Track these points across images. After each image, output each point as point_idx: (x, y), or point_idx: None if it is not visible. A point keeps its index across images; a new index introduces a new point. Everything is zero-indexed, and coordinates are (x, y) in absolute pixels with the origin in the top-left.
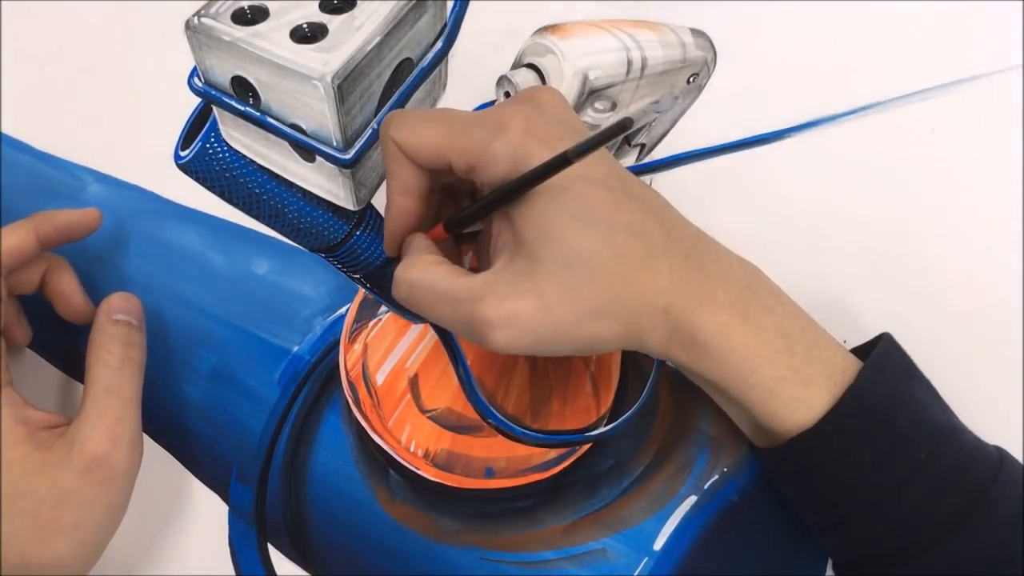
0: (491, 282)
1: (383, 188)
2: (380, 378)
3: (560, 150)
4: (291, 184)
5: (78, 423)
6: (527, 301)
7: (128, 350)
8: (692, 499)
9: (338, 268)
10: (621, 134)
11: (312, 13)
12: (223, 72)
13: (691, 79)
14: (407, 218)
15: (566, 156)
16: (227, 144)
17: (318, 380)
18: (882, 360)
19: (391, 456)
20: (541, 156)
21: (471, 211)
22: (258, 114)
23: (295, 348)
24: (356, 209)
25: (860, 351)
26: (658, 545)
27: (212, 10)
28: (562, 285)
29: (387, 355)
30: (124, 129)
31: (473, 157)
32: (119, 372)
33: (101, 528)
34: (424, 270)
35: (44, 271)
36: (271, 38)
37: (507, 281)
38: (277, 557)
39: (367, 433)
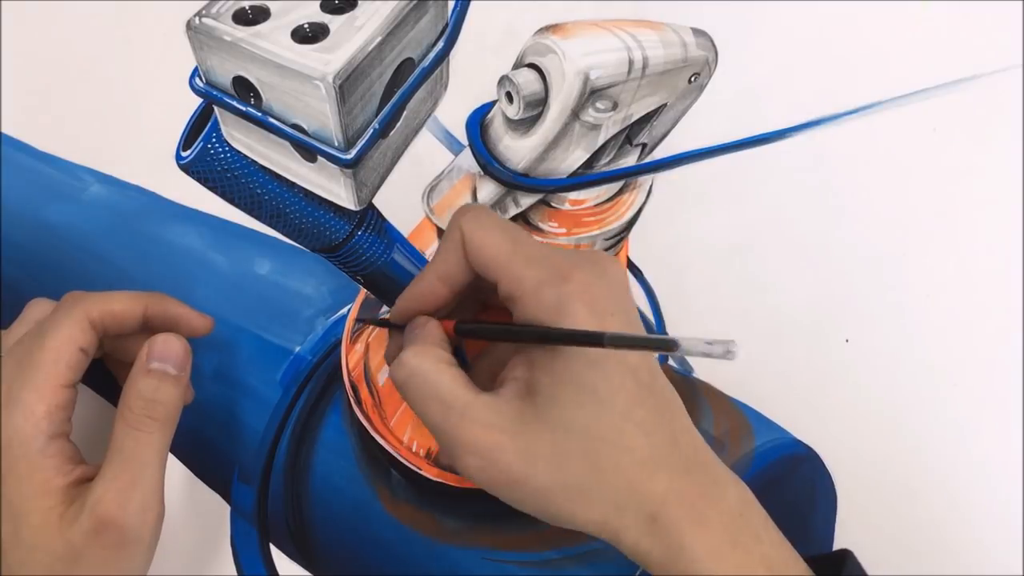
0: (490, 408)
1: (384, 188)
2: (382, 378)
3: (605, 326)
4: (292, 184)
5: (94, 481)
6: (515, 444)
7: (152, 408)
8: None
9: (340, 268)
10: (664, 351)
11: (313, 13)
12: (224, 72)
13: (692, 79)
14: (431, 301)
15: (601, 340)
16: (228, 144)
17: (320, 380)
18: None
19: (393, 456)
20: (584, 323)
21: (493, 331)
22: (259, 114)
23: (297, 348)
24: (357, 209)
25: (825, 561)
26: None
27: (213, 10)
28: (556, 449)
29: None
30: (125, 129)
31: (520, 292)
32: (137, 432)
33: None
34: (432, 365)
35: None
36: (272, 38)
37: (505, 415)
38: (279, 557)
39: (369, 433)
